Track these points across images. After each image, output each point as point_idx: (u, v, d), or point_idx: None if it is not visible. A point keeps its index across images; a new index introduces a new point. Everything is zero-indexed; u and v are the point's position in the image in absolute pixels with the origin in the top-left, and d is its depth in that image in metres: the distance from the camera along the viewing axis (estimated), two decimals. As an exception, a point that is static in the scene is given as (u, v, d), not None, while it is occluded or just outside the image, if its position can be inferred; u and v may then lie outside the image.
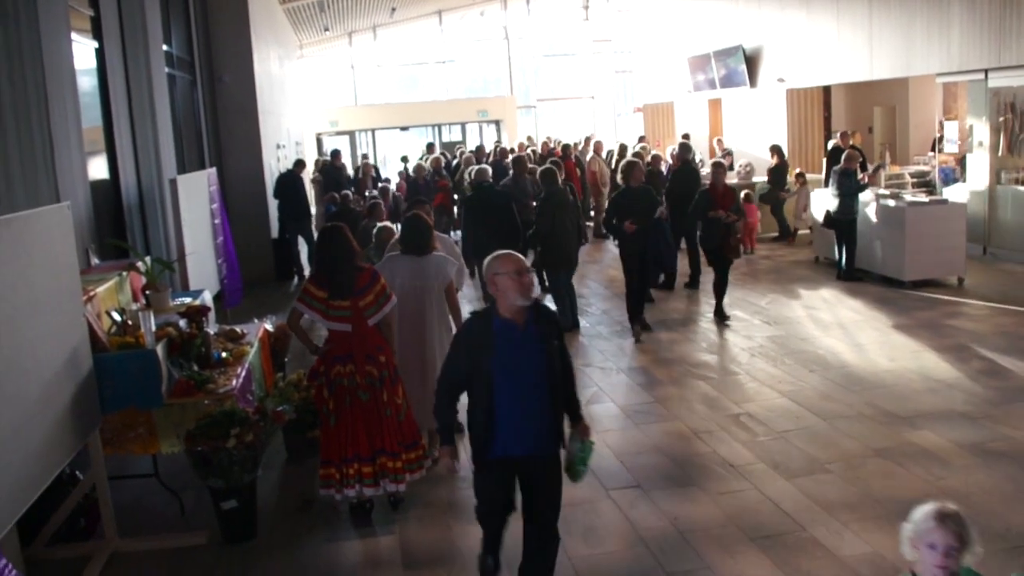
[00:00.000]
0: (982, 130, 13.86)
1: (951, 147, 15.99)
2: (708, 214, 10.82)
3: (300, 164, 16.98)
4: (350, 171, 22.47)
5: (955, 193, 14.31)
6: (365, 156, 28.17)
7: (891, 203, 12.45)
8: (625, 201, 10.46)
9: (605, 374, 9.22)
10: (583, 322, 11.45)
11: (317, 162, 24.22)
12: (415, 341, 6.89)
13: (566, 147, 19.26)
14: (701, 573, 5.17)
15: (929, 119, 18.32)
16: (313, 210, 19.26)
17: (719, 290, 11.18)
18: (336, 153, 20.13)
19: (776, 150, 16.84)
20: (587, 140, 22.16)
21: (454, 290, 7.10)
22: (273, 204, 16.19)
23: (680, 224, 13.01)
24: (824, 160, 16.48)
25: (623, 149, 19.04)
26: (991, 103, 13.61)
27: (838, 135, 17.14)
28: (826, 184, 14.00)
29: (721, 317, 11.09)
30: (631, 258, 10.57)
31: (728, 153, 20.66)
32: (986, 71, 13.41)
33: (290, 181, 16.13)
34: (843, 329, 10.27)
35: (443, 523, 6.02)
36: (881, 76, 16.29)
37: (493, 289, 4.47)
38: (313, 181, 21.30)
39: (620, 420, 7.84)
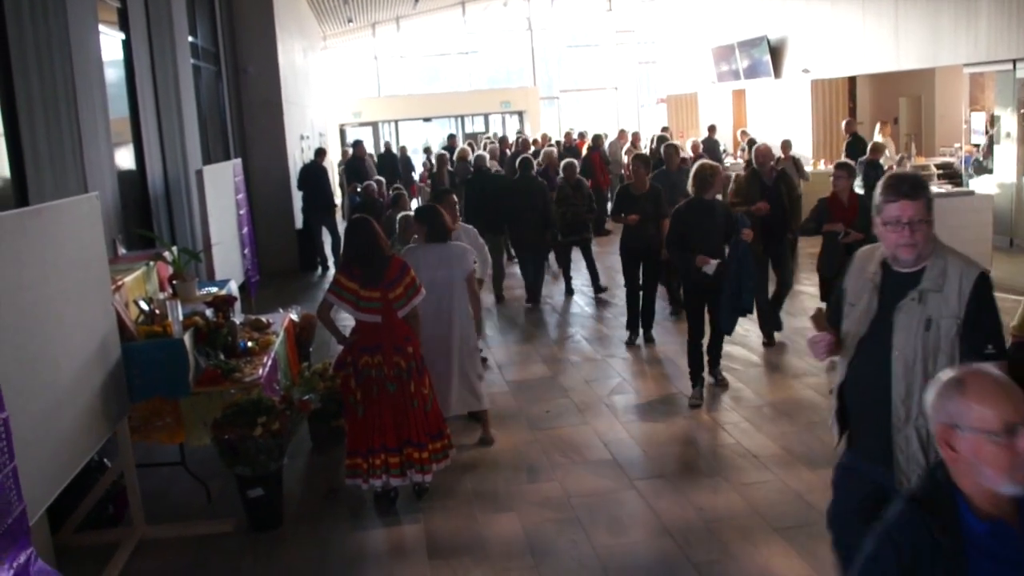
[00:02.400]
0: (1009, 121, 13.73)
1: (977, 138, 15.86)
2: (824, 228, 8.37)
3: (321, 153, 16.87)
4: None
5: (982, 185, 14.20)
6: (428, 148, 27.14)
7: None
8: (628, 199, 9.86)
9: (627, 364, 9.22)
10: (606, 312, 11.46)
11: (345, 153, 24.47)
12: (440, 330, 6.95)
13: (596, 138, 19.22)
14: (725, 563, 5.18)
15: (955, 110, 18.17)
16: (339, 200, 19.36)
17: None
18: (358, 144, 20.17)
19: (787, 145, 16.54)
20: (621, 133, 22.11)
21: (475, 280, 7.17)
22: (297, 195, 16.24)
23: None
24: (844, 151, 16.25)
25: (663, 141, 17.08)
26: (1019, 94, 13.48)
27: (878, 127, 16.95)
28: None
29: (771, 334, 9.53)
30: (631, 257, 9.89)
31: (752, 145, 20.55)
32: (1014, 61, 13.27)
33: (314, 172, 16.11)
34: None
35: (468, 512, 6.05)
36: (907, 67, 16.17)
37: (950, 455, 2.40)
38: (341, 172, 21.47)
39: (644, 411, 7.84)
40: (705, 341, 8.06)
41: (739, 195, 9.44)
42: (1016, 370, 3.93)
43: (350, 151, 20.73)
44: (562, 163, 12.63)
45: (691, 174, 7.95)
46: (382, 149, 25.47)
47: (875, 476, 3.59)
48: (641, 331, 9.97)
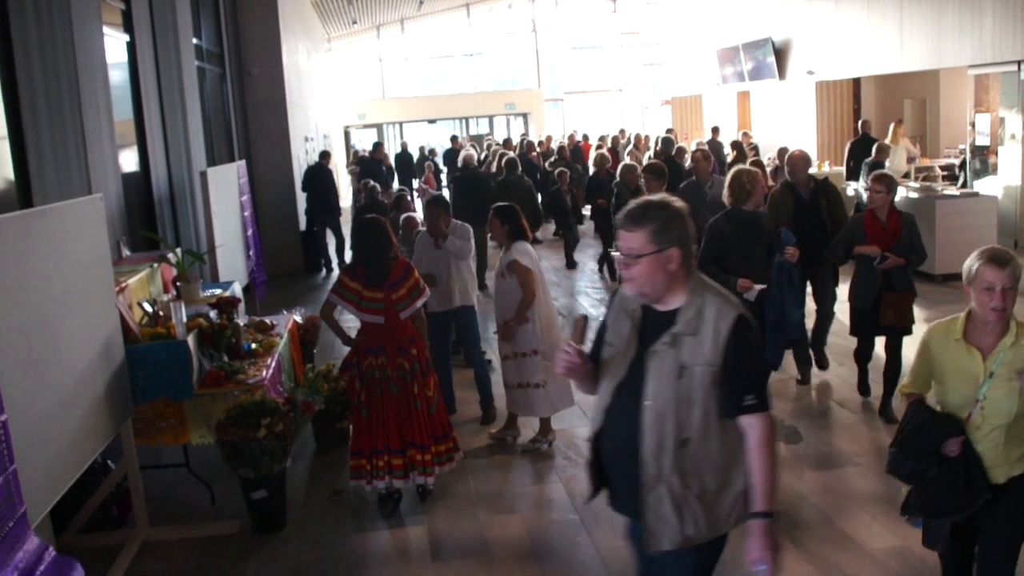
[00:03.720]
0: (1014, 123, 13.70)
1: (982, 139, 15.83)
2: (856, 251, 7.00)
3: (326, 155, 16.93)
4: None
5: (986, 186, 14.18)
6: (432, 151, 27.17)
7: (921, 196, 12.35)
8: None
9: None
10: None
11: (355, 154, 24.65)
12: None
13: (614, 139, 19.49)
14: (729, 564, 5.15)
15: (960, 112, 18.15)
16: (346, 203, 19.39)
17: (888, 380, 7.21)
18: (378, 146, 20.17)
19: (736, 146, 16.51)
20: (621, 133, 22.18)
21: (528, 275, 6.90)
22: (301, 197, 16.24)
23: None
24: (847, 153, 16.15)
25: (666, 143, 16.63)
26: (1023, 95, 13.46)
27: (892, 127, 16.92)
28: (857, 177, 13.95)
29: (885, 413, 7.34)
30: None
31: (753, 148, 20.55)
32: (1019, 63, 13.25)
33: (319, 174, 16.13)
34: (873, 323, 10.12)
35: (472, 514, 6.04)
36: (912, 68, 16.15)
37: None
38: (351, 172, 21.48)
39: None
40: None
41: (772, 213, 7.65)
42: (914, 435, 3.87)
43: (359, 152, 20.81)
44: (620, 166, 12.62)
45: (727, 181, 7.01)
46: (398, 149, 25.63)
47: (635, 533, 3.34)
48: None
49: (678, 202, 3.19)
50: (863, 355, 7.54)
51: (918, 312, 7.84)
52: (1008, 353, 3.69)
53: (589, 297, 12.69)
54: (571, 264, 15.07)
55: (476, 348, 8.18)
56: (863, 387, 7.75)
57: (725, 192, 6.96)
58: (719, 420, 3.13)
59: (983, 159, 14.92)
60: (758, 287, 6.63)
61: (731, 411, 3.12)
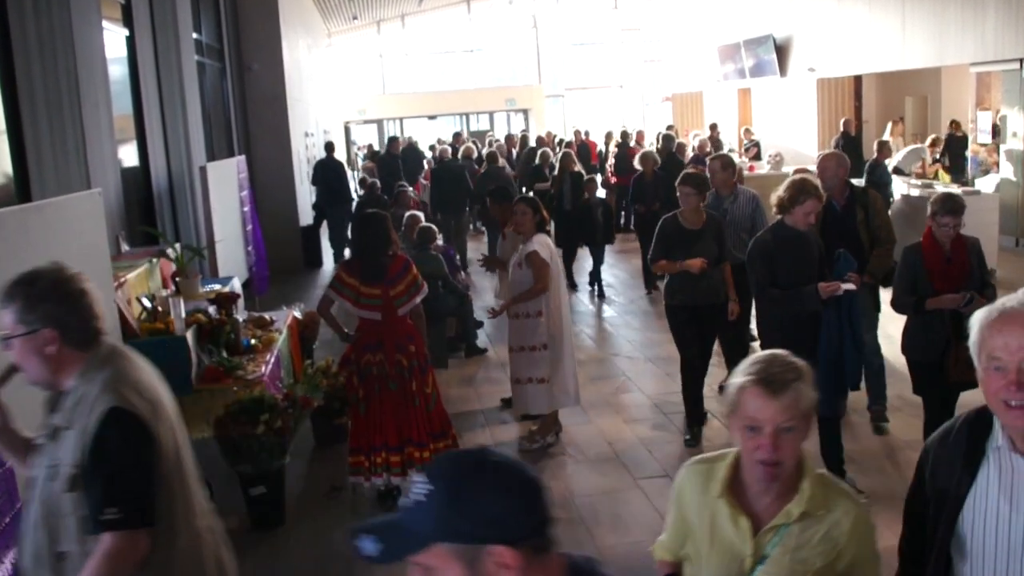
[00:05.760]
0: (1016, 121, 13.68)
1: (983, 137, 15.81)
2: (930, 305, 5.41)
3: (331, 147, 17.18)
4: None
5: (987, 184, 14.16)
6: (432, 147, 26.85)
7: (922, 194, 12.32)
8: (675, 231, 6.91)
9: (633, 363, 9.20)
10: (611, 311, 11.44)
11: (369, 148, 24.79)
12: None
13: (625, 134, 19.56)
14: None
15: (962, 109, 18.13)
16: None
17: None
18: (393, 140, 20.09)
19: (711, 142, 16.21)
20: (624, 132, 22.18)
21: (544, 268, 6.82)
22: (301, 192, 16.25)
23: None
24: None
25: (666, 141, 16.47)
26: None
27: (889, 126, 16.89)
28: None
29: None
30: (690, 326, 6.92)
31: (755, 144, 20.52)
32: (1021, 60, 13.23)
33: (331, 166, 16.38)
34: (873, 320, 10.04)
35: (470, 511, 6.02)
36: (913, 66, 16.13)
37: None
38: (364, 168, 21.47)
39: (648, 409, 7.81)
40: None
41: None
42: None
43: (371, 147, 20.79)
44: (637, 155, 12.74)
45: (781, 189, 5.67)
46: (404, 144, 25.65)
47: None
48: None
49: (56, 272, 2.79)
50: (934, 423, 5.43)
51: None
52: (793, 530, 2.42)
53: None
54: (573, 285, 12.64)
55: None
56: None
57: (773, 202, 5.71)
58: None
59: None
60: (846, 286, 5.46)
61: (92, 526, 2.61)
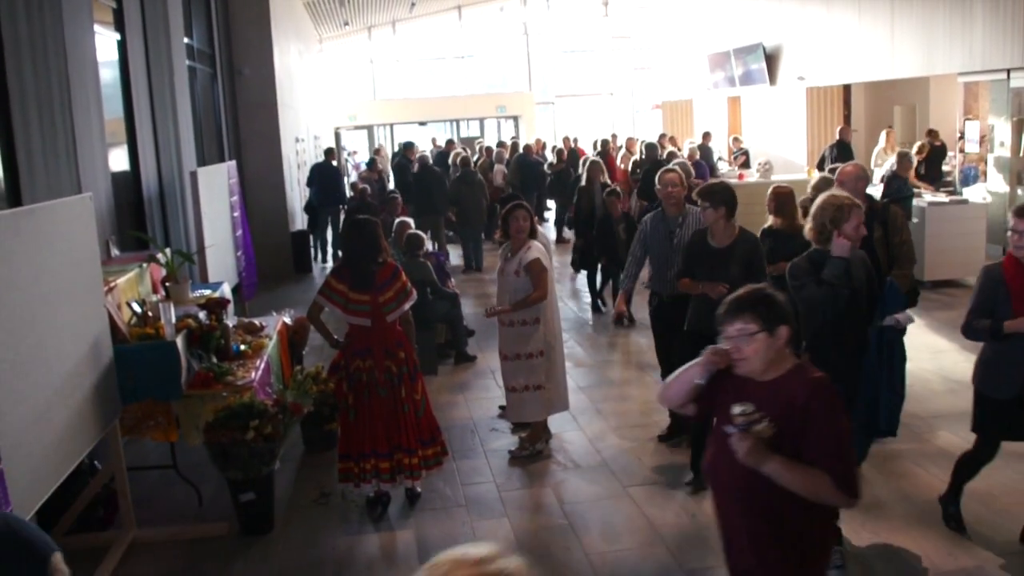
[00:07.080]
0: (1003, 131, 13.75)
1: (971, 147, 15.86)
2: (1008, 328, 4.88)
3: (330, 152, 18.02)
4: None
5: (975, 193, 14.23)
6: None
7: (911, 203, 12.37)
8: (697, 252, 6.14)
9: (621, 370, 9.21)
10: (600, 319, 11.46)
11: (377, 151, 25.13)
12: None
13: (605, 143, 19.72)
14: (719, 570, 5.14)
15: (949, 119, 18.21)
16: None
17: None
18: (409, 146, 19.64)
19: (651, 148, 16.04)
20: (614, 138, 22.26)
21: (544, 274, 6.77)
22: (291, 198, 16.27)
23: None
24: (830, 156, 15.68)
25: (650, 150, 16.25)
26: (1012, 103, 13.51)
27: (884, 133, 16.87)
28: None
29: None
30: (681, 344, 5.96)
31: (743, 152, 20.56)
32: (1008, 71, 13.30)
33: (327, 170, 16.90)
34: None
35: (460, 518, 6.03)
36: (902, 75, 16.19)
37: None
38: (363, 177, 21.56)
39: (639, 416, 7.82)
40: None
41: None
42: None
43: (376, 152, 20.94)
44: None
45: (814, 208, 4.99)
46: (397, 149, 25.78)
47: None
48: None
49: None
50: (977, 462, 5.41)
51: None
52: None
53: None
54: (597, 308, 12.00)
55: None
56: (950, 506, 5.53)
57: (808, 225, 5.04)
58: None
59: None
60: (902, 317, 5.09)
61: None
